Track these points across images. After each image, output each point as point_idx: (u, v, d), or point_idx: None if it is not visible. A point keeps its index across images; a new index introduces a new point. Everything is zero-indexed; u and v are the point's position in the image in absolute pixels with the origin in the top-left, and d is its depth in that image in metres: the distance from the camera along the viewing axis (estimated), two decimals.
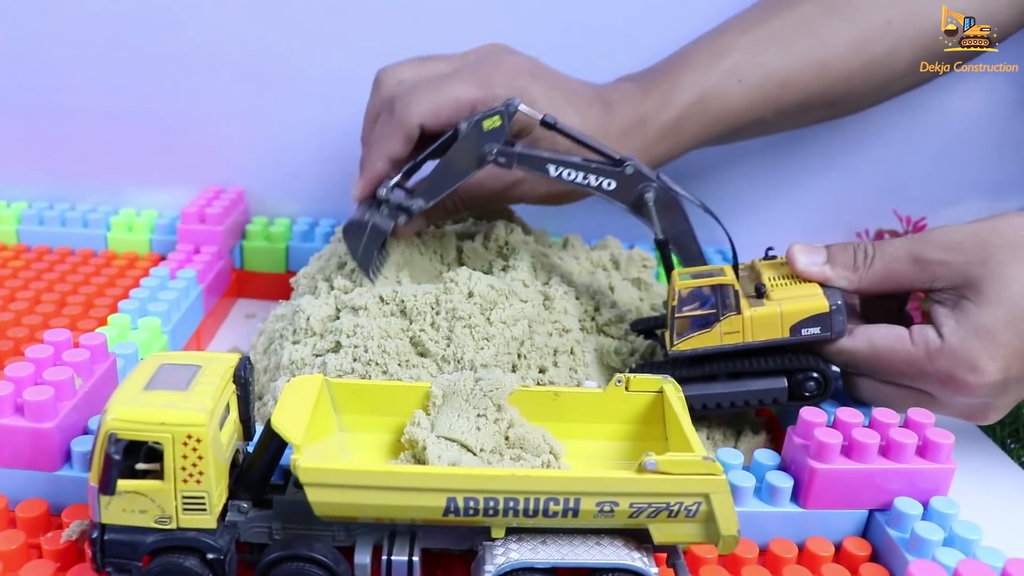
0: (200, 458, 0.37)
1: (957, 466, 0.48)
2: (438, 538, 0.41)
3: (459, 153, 0.54)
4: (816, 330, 0.51)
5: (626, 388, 0.45)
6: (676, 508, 0.38)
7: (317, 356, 0.52)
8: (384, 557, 0.40)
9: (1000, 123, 0.81)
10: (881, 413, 0.50)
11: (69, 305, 0.66)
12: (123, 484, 0.37)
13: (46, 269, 0.72)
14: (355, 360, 0.50)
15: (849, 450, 0.48)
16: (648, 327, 0.59)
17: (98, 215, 0.78)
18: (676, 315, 0.51)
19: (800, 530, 0.48)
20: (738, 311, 0.51)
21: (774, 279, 0.53)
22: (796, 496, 0.48)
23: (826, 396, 0.53)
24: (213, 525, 0.39)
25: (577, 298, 0.60)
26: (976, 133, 0.81)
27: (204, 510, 0.38)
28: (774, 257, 0.55)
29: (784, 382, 0.52)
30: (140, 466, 0.38)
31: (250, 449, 0.42)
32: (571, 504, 0.38)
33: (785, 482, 0.48)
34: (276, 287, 0.75)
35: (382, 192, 0.56)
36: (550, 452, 0.43)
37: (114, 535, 0.38)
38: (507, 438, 0.43)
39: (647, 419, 0.46)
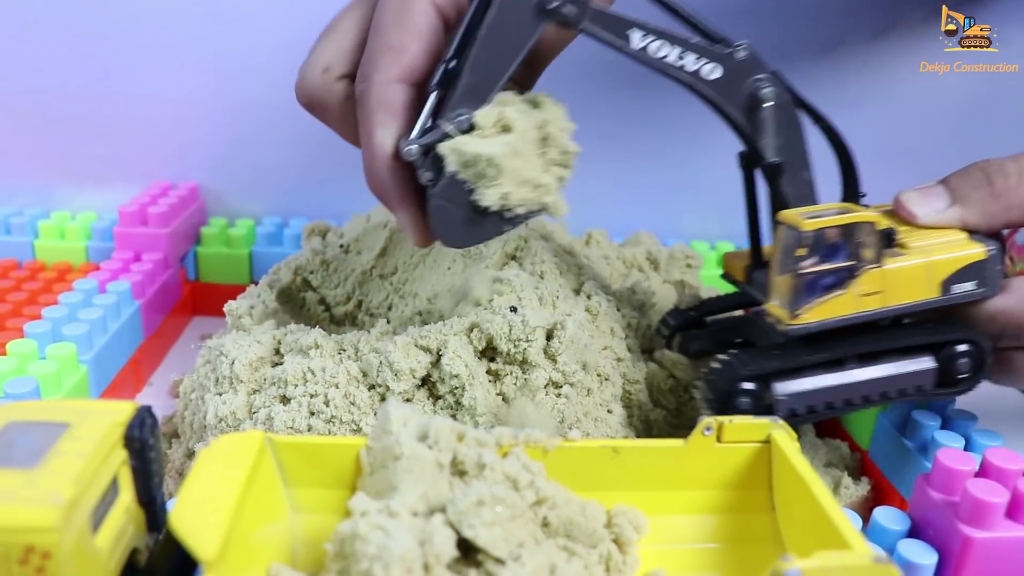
0: None
1: None
2: None
3: (506, 12, 0.36)
4: (971, 285, 0.40)
5: (718, 438, 0.31)
6: None
7: (255, 412, 0.38)
8: None
9: None
10: None
11: None
12: None
13: None
14: (312, 415, 0.36)
15: (1015, 510, 0.36)
16: (682, 325, 0.46)
17: (24, 219, 0.67)
18: (799, 270, 0.38)
19: None
20: (879, 263, 0.39)
21: (898, 224, 0.42)
22: None
23: (979, 380, 0.41)
24: None
25: (618, 309, 0.46)
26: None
27: None
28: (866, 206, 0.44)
29: (931, 361, 0.41)
30: None
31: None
32: None
33: (927, 558, 0.36)
34: None
35: (411, 149, 0.36)
36: (613, 540, 0.29)
37: None
38: (546, 523, 0.29)
39: (748, 483, 0.31)
